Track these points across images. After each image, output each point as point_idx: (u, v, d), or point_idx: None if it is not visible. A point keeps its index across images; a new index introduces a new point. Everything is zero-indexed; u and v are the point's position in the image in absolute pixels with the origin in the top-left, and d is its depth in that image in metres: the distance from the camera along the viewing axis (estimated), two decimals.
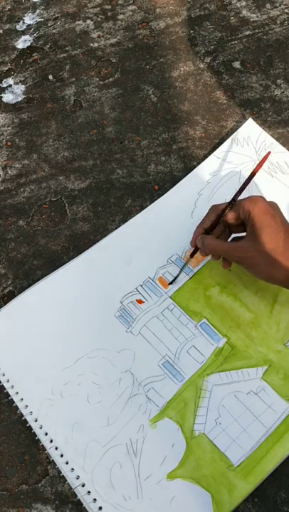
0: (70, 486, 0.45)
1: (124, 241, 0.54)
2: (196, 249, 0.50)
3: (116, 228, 0.55)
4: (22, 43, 0.69)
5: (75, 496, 0.44)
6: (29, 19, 0.71)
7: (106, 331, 0.50)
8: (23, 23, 0.71)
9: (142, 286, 0.52)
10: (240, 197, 0.46)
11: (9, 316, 0.51)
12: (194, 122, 0.61)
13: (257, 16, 0.67)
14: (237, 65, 0.64)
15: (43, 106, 0.64)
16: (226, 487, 0.43)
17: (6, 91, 0.66)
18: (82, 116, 0.63)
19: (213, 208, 0.47)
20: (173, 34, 0.67)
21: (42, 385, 0.48)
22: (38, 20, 0.71)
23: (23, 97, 0.65)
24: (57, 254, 0.56)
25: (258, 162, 0.57)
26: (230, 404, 0.46)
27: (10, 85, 0.66)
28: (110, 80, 0.65)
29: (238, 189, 0.46)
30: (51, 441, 0.46)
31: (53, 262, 0.55)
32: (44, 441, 0.46)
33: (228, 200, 0.55)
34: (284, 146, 0.58)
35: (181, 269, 0.51)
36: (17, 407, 0.48)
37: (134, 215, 0.56)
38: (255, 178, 0.46)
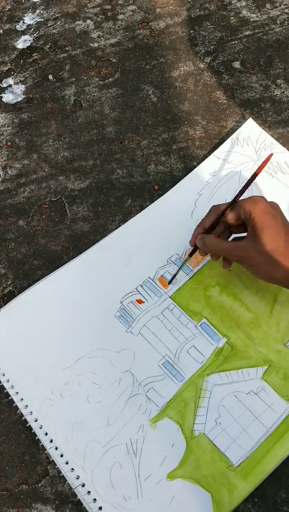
0: (70, 486, 0.45)
1: (124, 241, 0.54)
2: (195, 249, 0.50)
3: (116, 228, 0.55)
4: (22, 43, 0.69)
5: (75, 496, 0.44)
6: (29, 19, 0.71)
7: (106, 331, 0.50)
8: (23, 23, 0.71)
9: (142, 286, 0.52)
10: (241, 197, 0.46)
11: (9, 316, 0.51)
12: (194, 122, 0.61)
13: (257, 16, 0.67)
14: (237, 65, 0.64)
15: (43, 106, 0.64)
16: (226, 487, 0.43)
17: (6, 91, 0.66)
18: (82, 116, 0.63)
19: (214, 208, 0.47)
20: (173, 34, 0.67)
21: (42, 385, 0.48)
22: (38, 20, 0.71)
23: (23, 97, 0.65)
24: (57, 254, 0.56)
25: (258, 162, 0.57)
26: (230, 404, 0.46)
27: (10, 85, 0.66)
28: (110, 80, 0.65)
29: (238, 190, 0.46)
30: (51, 441, 0.46)
31: (53, 262, 0.55)
32: (44, 441, 0.46)
33: (229, 200, 0.55)
34: (284, 146, 0.58)
35: (179, 269, 0.51)
36: (17, 407, 0.48)
37: (134, 215, 0.56)
38: (255, 179, 0.47)
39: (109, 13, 0.70)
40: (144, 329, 0.50)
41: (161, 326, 0.50)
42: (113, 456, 0.45)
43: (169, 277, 0.52)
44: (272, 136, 0.58)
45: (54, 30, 0.70)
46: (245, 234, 0.46)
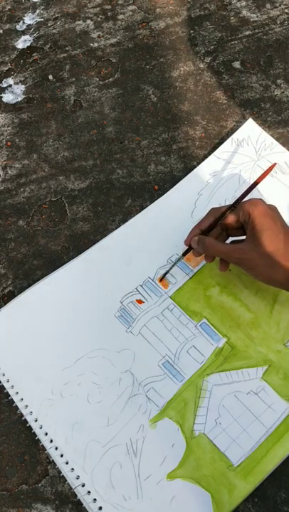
0: (70, 486, 0.45)
1: (124, 241, 0.54)
2: (188, 249, 0.50)
3: (116, 228, 0.55)
4: (22, 43, 0.69)
5: (75, 496, 0.44)
6: (29, 19, 0.71)
7: (106, 331, 0.50)
8: (23, 23, 0.71)
9: (142, 286, 0.52)
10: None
11: (9, 316, 0.52)
12: (194, 122, 0.61)
13: (257, 16, 0.67)
14: (237, 65, 0.64)
15: (43, 106, 0.64)
16: (226, 487, 0.43)
17: (6, 91, 0.66)
18: (82, 116, 0.63)
19: (212, 210, 0.47)
20: (173, 34, 0.67)
21: (42, 385, 0.48)
22: (38, 20, 0.71)
23: (23, 97, 0.65)
24: (57, 254, 0.56)
25: (258, 162, 0.57)
26: (230, 404, 0.46)
27: (10, 85, 0.66)
28: (110, 80, 0.65)
29: (239, 195, 0.46)
30: (51, 441, 0.46)
31: (53, 262, 0.55)
32: (44, 441, 0.46)
33: (228, 200, 0.55)
34: (284, 146, 0.58)
35: (173, 264, 0.51)
36: (17, 407, 0.48)
37: (134, 215, 0.56)
38: (255, 187, 0.46)
39: (109, 13, 0.70)
40: (144, 329, 0.50)
41: (161, 326, 0.50)
42: (113, 456, 0.45)
43: (170, 277, 0.52)
44: (272, 136, 0.58)
45: (54, 30, 0.70)
46: (242, 237, 0.46)
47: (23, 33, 0.70)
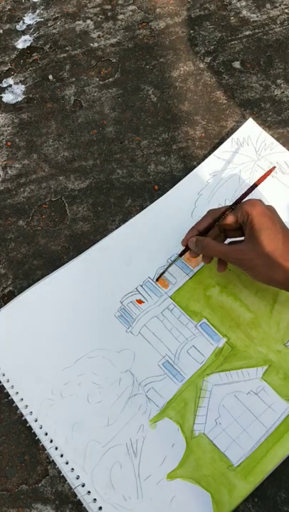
0: (70, 486, 0.45)
1: (124, 241, 0.54)
2: (185, 249, 0.50)
3: (116, 228, 0.55)
4: (22, 43, 0.69)
5: (75, 496, 0.44)
6: (29, 19, 0.71)
7: (106, 331, 0.50)
8: (23, 23, 0.71)
9: (142, 286, 0.52)
10: None
11: (9, 316, 0.52)
12: (194, 122, 0.61)
13: (257, 16, 0.67)
14: (237, 65, 0.64)
15: (43, 106, 0.64)
16: (226, 487, 0.43)
17: (6, 91, 0.66)
18: (82, 116, 0.63)
19: (211, 211, 0.48)
20: (173, 34, 0.67)
21: (42, 385, 0.48)
22: (38, 20, 0.71)
23: (23, 97, 0.65)
24: (57, 254, 0.56)
25: (258, 162, 0.57)
26: (230, 404, 0.46)
27: (10, 85, 0.66)
28: (110, 80, 0.65)
29: (237, 197, 0.46)
30: (51, 441, 0.46)
31: (53, 262, 0.55)
32: (44, 441, 0.46)
33: (228, 201, 0.55)
34: (284, 146, 0.58)
35: (170, 265, 0.51)
36: (17, 407, 0.48)
37: (134, 215, 0.56)
38: (254, 189, 0.46)
39: (109, 13, 0.70)
40: (144, 329, 0.50)
41: (161, 326, 0.50)
42: (113, 456, 0.45)
43: (170, 277, 0.52)
44: (272, 136, 0.58)
45: (54, 30, 0.70)
46: (240, 238, 0.46)
47: (23, 33, 0.70)
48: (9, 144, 0.62)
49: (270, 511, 0.43)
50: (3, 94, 0.66)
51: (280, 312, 0.49)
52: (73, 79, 0.66)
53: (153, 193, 0.58)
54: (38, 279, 0.53)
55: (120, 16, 0.70)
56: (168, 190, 0.56)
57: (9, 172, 0.61)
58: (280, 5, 0.68)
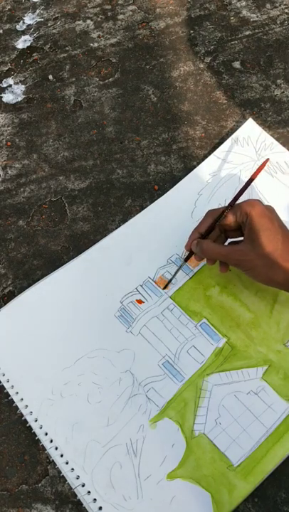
0: (70, 486, 0.45)
1: (124, 241, 0.54)
2: (190, 254, 0.50)
3: (116, 228, 0.55)
4: (22, 43, 0.69)
5: (75, 496, 0.44)
6: (29, 19, 0.71)
7: (106, 331, 0.50)
8: (23, 23, 0.71)
9: (142, 286, 0.52)
10: (238, 201, 0.46)
11: (9, 316, 0.52)
12: (194, 122, 0.61)
13: (257, 16, 0.67)
14: (237, 65, 0.64)
15: (43, 106, 0.64)
16: (226, 487, 0.43)
17: (6, 91, 0.66)
18: (82, 116, 0.63)
19: (210, 212, 0.47)
20: (173, 34, 0.67)
21: (42, 385, 0.48)
22: (38, 20, 0.71)
23: (23, 97, 0.65)
24: (57, 254, 0.56)
25: (258, 162, 0.57)
26: (230, 404, 0.46)
27: (10, 85, 0.66)
28: (110, 80, 0.65)
29: (235, 194, 0.46)
30: (51, 441, 0.46)
31: (53, 262, 0.55)
32: (44, 441, 0.46)
33: (228, 200, 0.55)
34: (284, 146, 0.58)
35: (177, 271, 0.51)
36: (17, 407, 0.48)
37: (134, 215, 0.56)
38: (251, 183, 0.46)
39: (109, 13, 0.70)
40: (144, 329, 0.50)
41: (161, 326, 0.50)
42: (113, 456, 0.45)
43: (169, 277, 0.52)
44: (273, 136, 0.58)
45: (54, 30, 0.70)
46: (241, 238, 0.46)
47: (23, 33, 0.70)
48: (9, 144, 0.62)
49: (270, 511, 0.43)
50: (3, 94, 0.66)
51: (280, 312, 0.49)
52: (73, 79, 0.66)
53: (153, 193, 0.58)
54: (38, 279, 0.53)
55: (120, 16, 0.70)
56: (168, 190, 0.56)
57: (9, 172, 0.61)
58: (280, 5, 0.68)
